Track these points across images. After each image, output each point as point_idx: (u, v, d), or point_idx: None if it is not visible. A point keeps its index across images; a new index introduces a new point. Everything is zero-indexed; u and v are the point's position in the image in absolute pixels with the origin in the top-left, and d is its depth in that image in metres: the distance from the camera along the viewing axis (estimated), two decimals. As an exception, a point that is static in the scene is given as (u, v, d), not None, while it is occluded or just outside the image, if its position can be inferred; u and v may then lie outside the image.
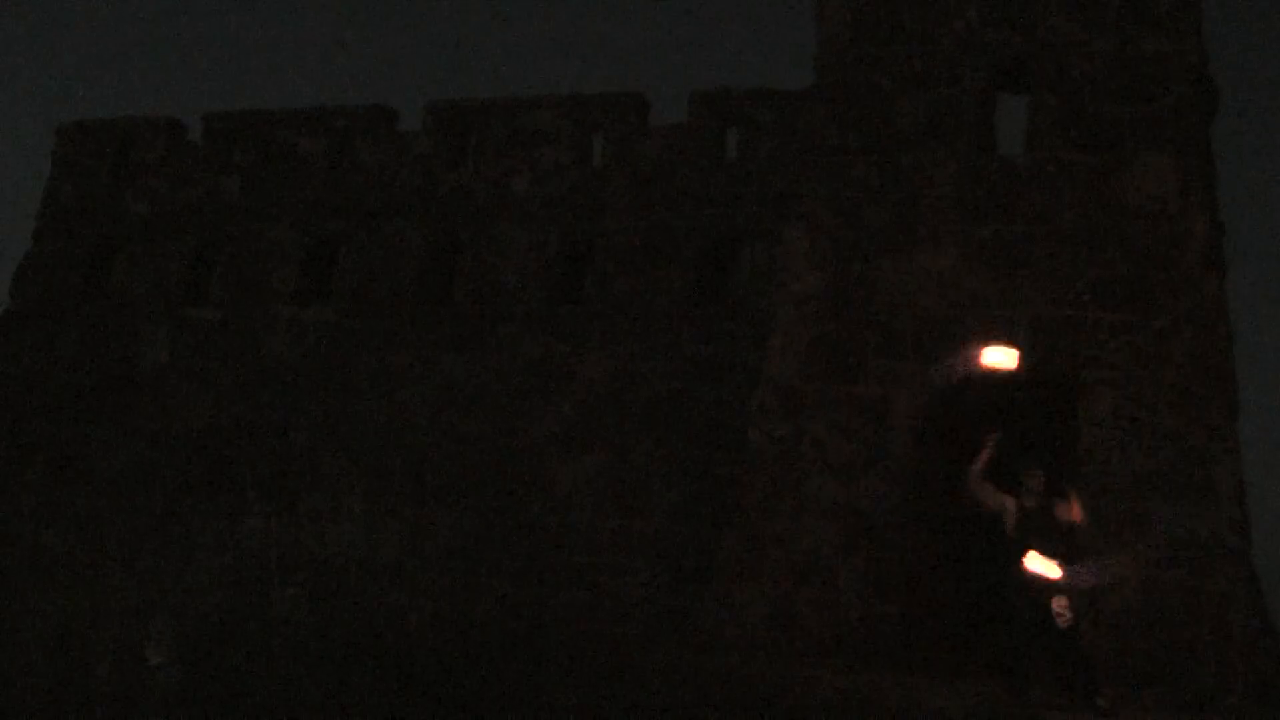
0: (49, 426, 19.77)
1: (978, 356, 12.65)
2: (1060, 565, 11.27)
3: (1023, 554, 11.32)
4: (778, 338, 14.10)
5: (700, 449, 16.59)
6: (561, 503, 16.99)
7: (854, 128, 14.33)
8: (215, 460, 18.71)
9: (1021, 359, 12.68)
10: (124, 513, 18.78)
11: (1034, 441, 13.15)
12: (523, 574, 16.87)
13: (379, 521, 17.14)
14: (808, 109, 14.79)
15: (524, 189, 18.34)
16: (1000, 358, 12.52)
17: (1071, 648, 11.24)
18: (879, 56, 14.40)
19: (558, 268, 18.04)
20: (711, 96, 17.79)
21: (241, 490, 17.99)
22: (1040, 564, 11.28)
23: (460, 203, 18.63)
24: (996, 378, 13.29)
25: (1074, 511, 11.37)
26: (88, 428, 19.55)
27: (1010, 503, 11.52)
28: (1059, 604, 11.13)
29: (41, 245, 20.74)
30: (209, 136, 20.29)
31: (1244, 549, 12.32)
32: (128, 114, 20.89)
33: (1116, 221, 13.26)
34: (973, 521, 12.64)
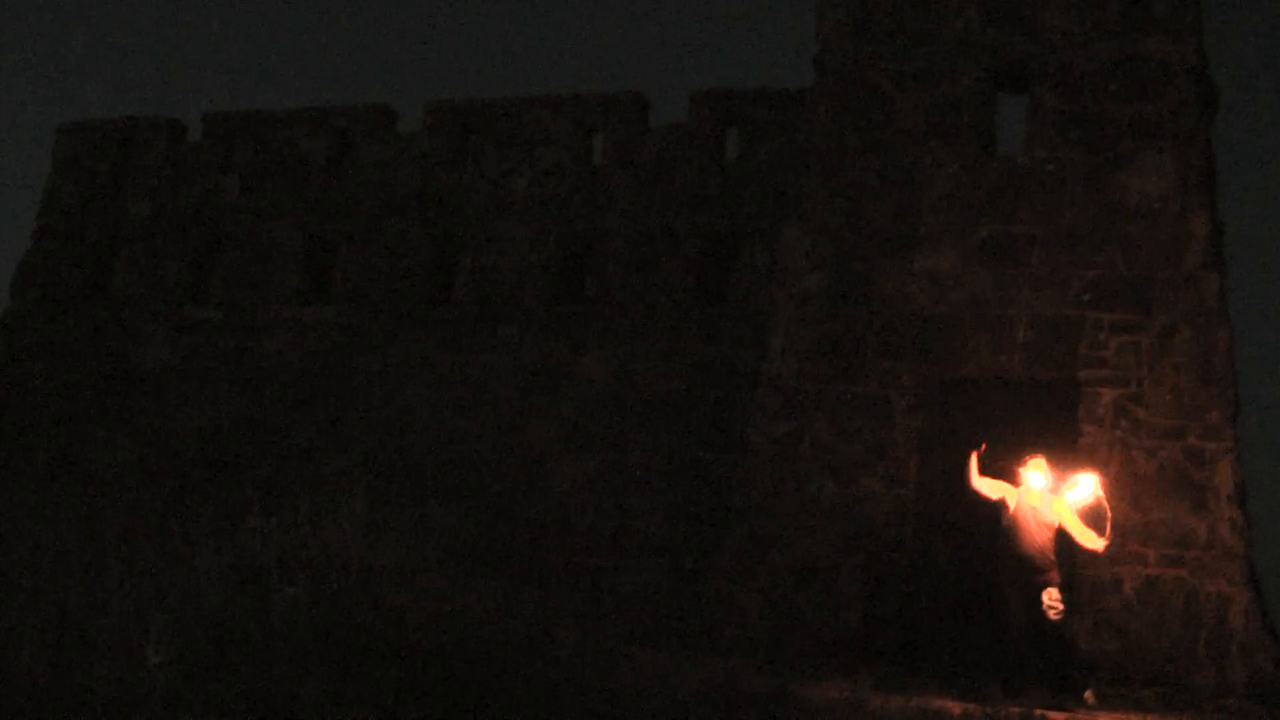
0: (49, 426, 19.76)
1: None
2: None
3: (1014, 545, 11.29)
4: (778, 338, 14.09)
5: (700, 449, 16.57)
6: (561, 503, 16.98)
7: (854, 128, 14.32)
8: (215, 460, 18.70)
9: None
10: (123, 512, 18.74)
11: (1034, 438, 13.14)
12: (523, 574, 16.85)
13: (379, 521, 17.11)
14: (808, 109, 14.79)
15: (524, 189, 18.33)
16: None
17: (1062, 641, 11.22)
18: (879, 56, 14.39)
19: (558, 267, 18.04)
20: (711, 96, 17.78)
21: (241, 490, 17.95)
22: (1084, 536, 11.40)
23: (460, 202, 18.62)
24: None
25: (1063, 511, 11.47)
26: (88, 427, 19.54)
27: (1011, 492, 11.57)
28: (1050, 596, 11.12)
29: (41, 245, 20.72)
30: (209, 136, 20.27)
31: (1244, 549, 12.32)
32: (128, 114, 20.86)
33: (1116, 221, 13.26)
34: (972, 522, 12.64)
